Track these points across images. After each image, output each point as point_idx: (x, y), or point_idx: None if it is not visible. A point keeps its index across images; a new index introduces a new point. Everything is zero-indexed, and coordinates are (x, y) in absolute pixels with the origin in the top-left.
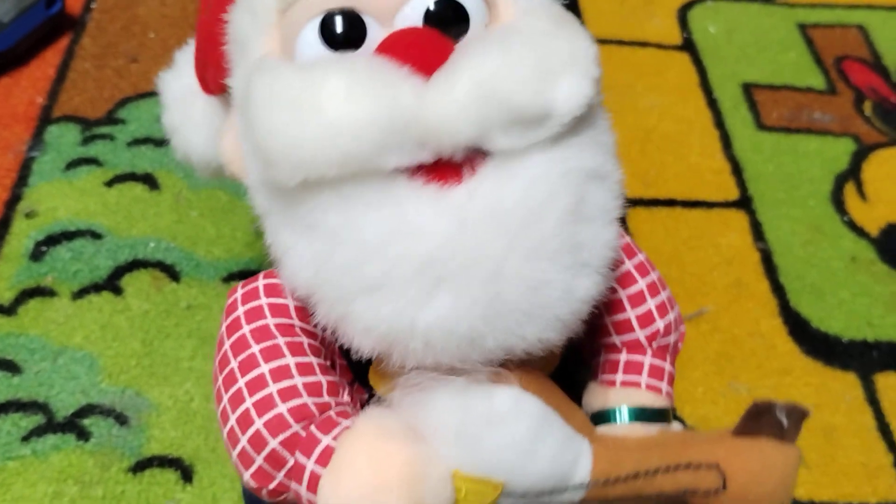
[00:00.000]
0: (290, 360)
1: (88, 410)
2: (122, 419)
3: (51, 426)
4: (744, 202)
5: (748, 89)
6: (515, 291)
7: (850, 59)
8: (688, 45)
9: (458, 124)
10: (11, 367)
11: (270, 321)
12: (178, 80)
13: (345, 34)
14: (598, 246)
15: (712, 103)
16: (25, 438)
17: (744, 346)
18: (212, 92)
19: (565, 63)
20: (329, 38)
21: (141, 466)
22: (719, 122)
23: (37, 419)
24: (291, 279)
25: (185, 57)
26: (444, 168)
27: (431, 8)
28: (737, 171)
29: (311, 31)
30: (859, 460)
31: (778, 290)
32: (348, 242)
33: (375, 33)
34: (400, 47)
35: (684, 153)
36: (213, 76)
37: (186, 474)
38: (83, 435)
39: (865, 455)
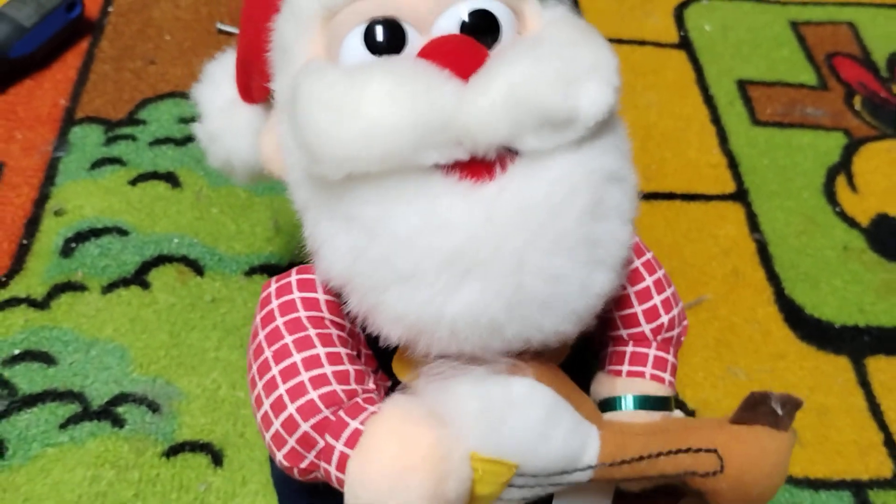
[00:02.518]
0: (320, 350)
1: (122, 399)
2: (154, 407)
3: (87, 414)
4: (740, 195)
5: (743, 86)
6: (536, 283)
7: (840, 56)
8: (684, 44)
9: (493, 125)
10: (47, 358)
11: (302, 314)
12: (217, 91)
13: (387, 41)
14: (613, 244)
15: (709, 100)
16: (63, 426)
17: (741, 332)
18: (254, 100)
19: (589, 71)
20: (372, 44)
21: (174, 451)
22: (716, 118)
23: (73, 408)
24: (327, 270)
25: (219, 69)
26: (478, 165)
27: (466, 20)
28: (733, 165)
29: (356, 38)
30: (851, 439)
31: (773, 278)
32: (384, 234)
33: (415, 41)
34: (440, 52)
35: (682, 149)
36: (257, 83)
37: (217, 458)
38: (118, 422)
39: (857, 434)
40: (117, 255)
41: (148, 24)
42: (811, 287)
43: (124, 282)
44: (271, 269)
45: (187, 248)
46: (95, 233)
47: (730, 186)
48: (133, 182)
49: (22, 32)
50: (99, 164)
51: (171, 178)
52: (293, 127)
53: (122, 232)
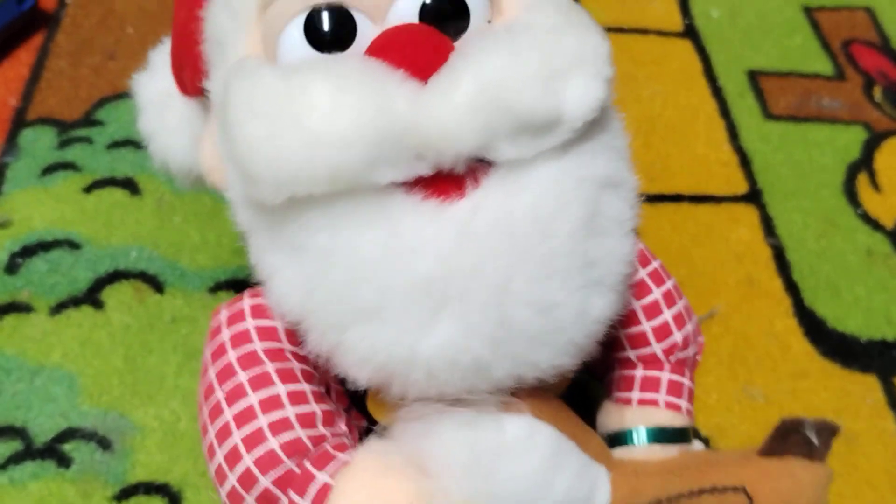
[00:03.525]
0: (280, 389)
1: (69, 435)
2: (104, 443)
3: (29, 452)
4: (753, 195)
5: (754, 76)
6: (524, 315)
7: (857, 43)
8: (690, 32)
9: (459, 133)
10: None
11: (258, 346)
12: (154, 82)
13: (332, 32)
14: (613, 261)
15: (717, 91)
16: (2, 466)
17: (757, 347)
18: (190, 94)
19: (575, 63)
20: (315, 36)
21: (126, 494)
22: (725, 112)
23: (14, 445)
24: (279, 304)
25: (161, 56)
26: (445, 181)
27: (428, 2)
28: (745, 162)
29: (296, 29)
30: (883, 468)
31: (791, 287)
32: (340, 265)
33: (367, 31)
34: (394, 47)
35: (689, 144)
36: (189, 78)
37: (175, 501)
38: (63, 461)
39: (890, 462)
40: (68, 271)
41: (109, 16)
42: (833, 296)
43: (75, 301)
44: (239, 285)
45: (146, 263)
46: (44, 246)
47: (742, 186)
48: (88, 189)
49: None
50: (51, 169)
51: (129, 185)
52: (223, 139)
53: (74, 245)
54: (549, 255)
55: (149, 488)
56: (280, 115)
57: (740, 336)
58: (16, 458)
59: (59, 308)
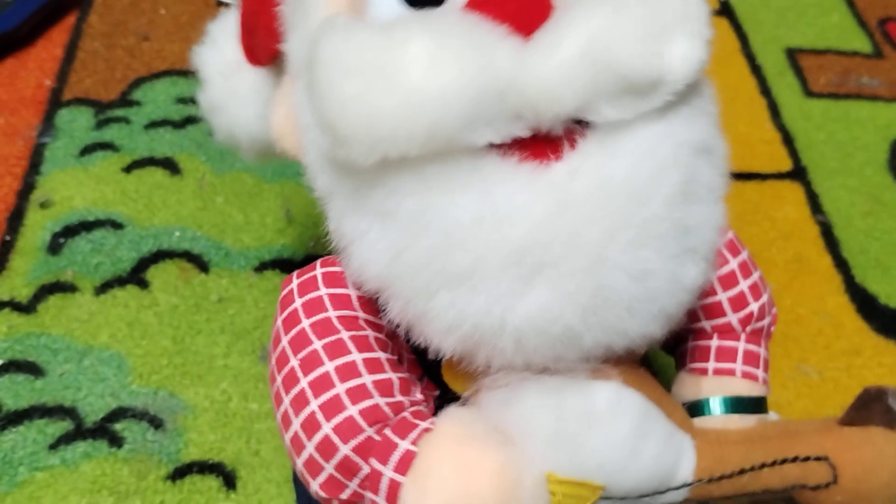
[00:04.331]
0: (356, 357)
1: (120, 414)
2: (156, 422)
3: (80, 432)
4: (798, 173)
5: (792, 54)
6: (619, 282)
7: (893, 21)
8: (725, 10)
9: (561, 91)
10: (34, 369)
11: (332, 313)
12: (218, 54)
13: None
14: (706, 229)
15: (756, 70)
16: (53, 446)
17: (810, 325)
18: (260, 62)
19: (678, 22)
20: None
21: (180, 473)
22: (765, 90)
23: (65, 425)
24: (360, 271)
25: (221, 28)
26: (541, 143)
27: None
28: (787, 140)
29: None
30: None
31: (841, 264)
32: (430, 230)
33: None
34: (493, 3)
35: (731, 123)
36: (263, 43)
37: (229, 480)
38: (116, 441)
39: None
40: (112, 250)
41: None
42: (883, 273)
43: (120, 281)
44: (284, 264)
45: (190, 243)
46: (87, 226)
47: (786, 164)
48: (127, 169)
49: (2, 7)
50: (89, 149)
51: (169, 165)
52: (310, 99)
53: (117, 225)
54: (646, 221)
55: (203, 467)
56: (376, 71)
57: (792, 314)
58: (66, 438)
59: (104, 288)
